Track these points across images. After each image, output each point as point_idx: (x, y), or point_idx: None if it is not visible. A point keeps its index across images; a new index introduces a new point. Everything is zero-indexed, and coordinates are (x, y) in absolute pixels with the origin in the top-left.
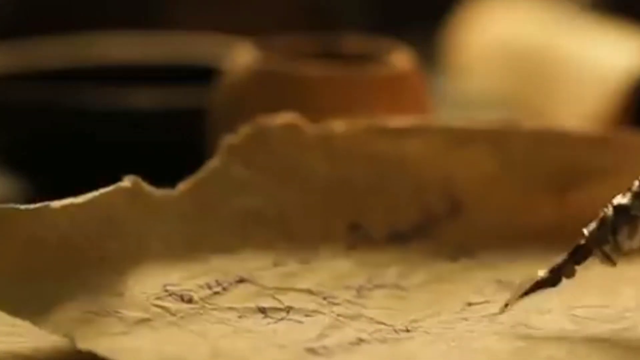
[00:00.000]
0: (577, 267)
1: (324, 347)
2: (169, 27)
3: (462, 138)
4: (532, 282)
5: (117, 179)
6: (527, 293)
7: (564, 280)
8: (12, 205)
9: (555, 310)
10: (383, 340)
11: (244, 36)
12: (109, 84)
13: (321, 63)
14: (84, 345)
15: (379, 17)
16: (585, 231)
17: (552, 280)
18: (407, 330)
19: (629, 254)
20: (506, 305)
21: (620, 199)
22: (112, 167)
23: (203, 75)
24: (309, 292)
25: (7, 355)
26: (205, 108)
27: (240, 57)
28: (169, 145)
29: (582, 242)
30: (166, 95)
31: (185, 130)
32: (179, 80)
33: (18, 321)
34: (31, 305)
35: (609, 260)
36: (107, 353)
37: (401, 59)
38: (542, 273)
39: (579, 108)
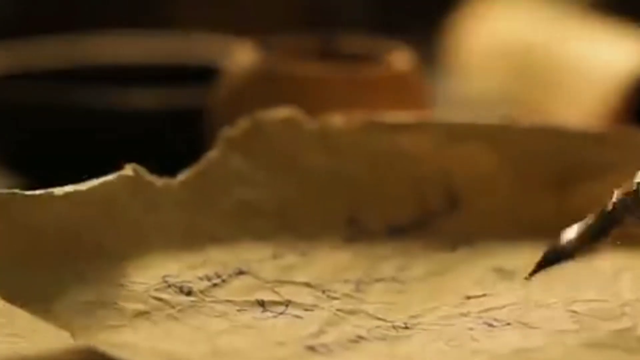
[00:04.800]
0: (606, 237)
1: (323, 345)
2: (169, 26)
3: (460, 134)
4: (558, 250)
5: None
6: (553, 262)
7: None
8: (12, 190)
9: (553, 305)
10: (382, 338)
11: (244, 36)
12: (109, 84)
13: (321, 63)
14: (82, 339)
15: (379, 17)
16: (614, 197)
17: (582, 249)
18: (406, 327)
19: None
20: (531, 274)
21: None
22: (113, 167)
23: (203, 75)
24: (308, 285)
25: (7, 355)
26: (205, 108)
27: (240, 57)
28: (170, 146)
29: (610, 208)
30: (166, 95)
31: (185, 130)
32: (179, 80)
33: (19, 321)
34: (29, 294)
35: None
36: (106, 348)
37: (401, 59)
38: (567, 239)
39: (579, 107)
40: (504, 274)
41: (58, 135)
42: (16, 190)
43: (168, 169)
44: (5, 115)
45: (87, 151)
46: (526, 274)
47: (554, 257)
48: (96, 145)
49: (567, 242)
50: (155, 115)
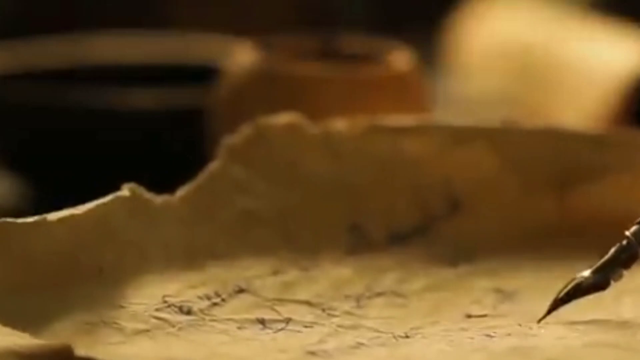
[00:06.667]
0: (624, 271)
1: (324, 351)
2: (169, 26)
3: (462, 137)
4: (576, 286)
5: (117, 179)
6: (572, 298)
7: (612, 284)
8: (9, 219)
9: (554, 321)
10: (382, 344)
11: (244, 36)
12: (109, 84)
13: (321, 63)
14: (82, 352)
15: (379, 17)
16: (628, 233)
17: (600, 284)
18: (407, 337)
19: None
20: (547, 314)
21: None
22: (112, 167)
23: (203, 75)
24: (308, 303)
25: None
26: (205, 108)
27: (240, 57)
28: (169, 146)
29: (625, 243)
30: (166, 95)
31: (185, 130)
32: (179, 80)
33: None
34: (29, 317)
35: None
36: (106, 358)
37: (401, 59)
38: (584, 275)
39: (579, 107)
40: (504, 295)
41: (58, 135)
42: (9, 219)
43: (167, 169)
44: (5, 115)
45: (87, 151)
46: (532, 297)
47: (569, 295)
48: (96, 145)
49: (583, 279)
50: (155, 115)
